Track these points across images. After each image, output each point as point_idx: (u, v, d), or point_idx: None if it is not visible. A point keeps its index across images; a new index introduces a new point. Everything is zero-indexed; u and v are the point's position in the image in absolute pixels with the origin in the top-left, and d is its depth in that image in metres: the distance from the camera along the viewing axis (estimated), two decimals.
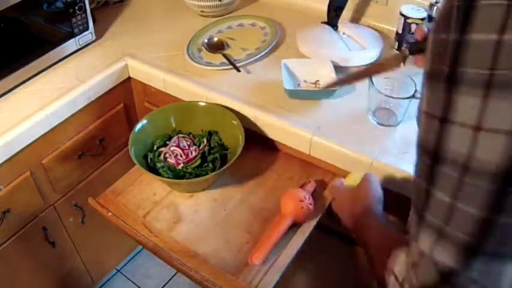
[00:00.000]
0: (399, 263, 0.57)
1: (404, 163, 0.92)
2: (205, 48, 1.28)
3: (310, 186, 1.00)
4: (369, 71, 1.01)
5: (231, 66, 1.19)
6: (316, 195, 1.00)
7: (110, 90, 1.26)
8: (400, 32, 1.20)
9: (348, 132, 1.00)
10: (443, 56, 0.43)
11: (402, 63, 0.88)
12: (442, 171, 0.46)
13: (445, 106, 0.44)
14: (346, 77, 1.08)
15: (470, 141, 0.42)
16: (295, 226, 0.94)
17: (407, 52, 0.86)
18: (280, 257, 0.90)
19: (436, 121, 0.45)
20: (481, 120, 0.41)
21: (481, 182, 0.42)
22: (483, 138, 0.41)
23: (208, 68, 1.21)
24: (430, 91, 0.46)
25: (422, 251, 0.50)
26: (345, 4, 1.25)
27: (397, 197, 0.90)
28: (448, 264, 0.47)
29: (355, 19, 1.36)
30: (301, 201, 0.93)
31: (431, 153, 0.47)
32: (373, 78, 0.99)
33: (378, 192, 0.83)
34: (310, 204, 0.94)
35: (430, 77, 0.46)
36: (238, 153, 0.98)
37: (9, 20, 1.09)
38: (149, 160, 1.06)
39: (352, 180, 0.91)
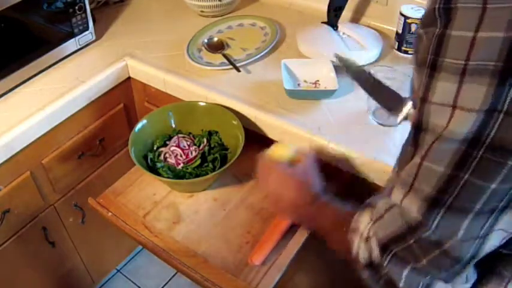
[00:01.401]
0: (363, 222, 0.64)
1: None
2: (205, 48, 1.28)
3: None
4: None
5: (231, 66, 1.19)
6: None
7: (110, 90, 1.26)
8: (400, 32, 1.20)
9: (348, 132, 1.00)
10: (428, 46, 0.51)
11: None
12: (423, 137, 0.54)
13: (425, 90, 0.52)
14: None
15: (446, 117, 0.51)
16: (295, 226, 0.94)
17: None
18: (280, 257, 0.90)
19: (419, 100, 0.54)
20: (455, 102, 0.49)
21: (449, 146, 0.51)
22: (457, 115, 0.50)
23: (208, 68, 1.21)
24: (417, 74, 0.55)
25: (393, 203, 0.59)
26: (345, 4, 1.25)
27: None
28: (414, 215, 0.56)
29: (355, 19, 1.36)
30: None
31: (416, 125, 0.56)
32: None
33: (317, 175, 0.84)
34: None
35: (418, 64, 0.55)
36: (238, 153, 0.98)
37: (9, 20, 1.09)
38: (149, 160, 1.06)
39: (281, 153, 0.86)
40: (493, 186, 0.50)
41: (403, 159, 0.61)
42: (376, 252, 0.60)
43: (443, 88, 0.50)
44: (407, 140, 0.61)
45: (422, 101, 0.53)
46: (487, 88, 0.47)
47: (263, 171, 0.87)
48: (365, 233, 0.63)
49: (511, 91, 0.46)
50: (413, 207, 0.56)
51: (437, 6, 0.50)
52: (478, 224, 0.53)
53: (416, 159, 0.55)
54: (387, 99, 0.90)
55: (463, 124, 0.49)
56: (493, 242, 0.55)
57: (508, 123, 0.48)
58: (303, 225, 0.81)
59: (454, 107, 0.50)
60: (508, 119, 0.47)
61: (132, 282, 1.80)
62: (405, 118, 0.88)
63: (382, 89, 0.91)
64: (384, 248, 0.60)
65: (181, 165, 1.04)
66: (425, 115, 0.53)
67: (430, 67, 0.51)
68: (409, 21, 1.17)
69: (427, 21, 0.52)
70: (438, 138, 0.52)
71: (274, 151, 0.88)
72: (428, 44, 0.51)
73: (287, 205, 0.83)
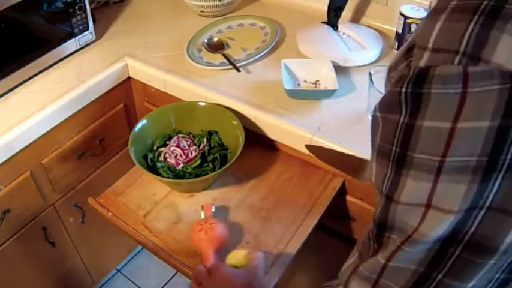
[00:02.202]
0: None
1: None
2: (205, 48, 1.28)
3: (206, 210, 0.94)
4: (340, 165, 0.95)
5: (231, 66, 1.19)
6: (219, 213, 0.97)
7: (110, 90, 1.26)
8: (400, 32, 1.20)
9: (348, 132, 1.00)
10: (392, 136, 0.43)
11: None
12: (388, 237, 0.47)
13: (391, 188, 0.45)
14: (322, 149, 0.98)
15: (418, 218, 0.43)
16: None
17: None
18: (280, 257, 0.90)
19: (384, 196, 0.46)
20: (430, 201, 0.42)
21: (421, 247, 0.44)
22: (431, 216, 0.42)
23: (208, 68, 1.21)
24: (378, 166, 0.47)
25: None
26: (345, 4, 1.25)
27: None
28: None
29: (355, 19, 1.36)
30: (199, 230, 0.87)
31: (378, 223, 0.48)
32: (373, 78, 0.99)
33: (263, 277, 0.77)
34: (212, 223, 0.88)
35: (379, 154, 0.46)
36: (238, 153, 0.98)
37: (9, 20, 1.09)
38: (149, 160, 1.06)
39: (235, 259, 0.80)
40: (472, 283, 0.45)
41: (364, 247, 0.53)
42: None
43: (415, 187, 0.43)
44: (367, 232, 0.52)
45: (387, 198, 0.45)
46: (467, 187, 0.40)
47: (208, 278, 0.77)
48: None
49: (495, 186, 0.40)
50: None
51: (403, 90, 0.41)
52: None
53: (380, 259, 0.48)
54: (352, 169, 0.91)
55: (438, 226, 0.42)
56: None
57: (490, 219, 0.41)
58: None
59: (427, 206, 0.42)
60: (491, 214, 0.41)
61: (132, 282, 1.80)
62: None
63: (347, 158, 0.92)
64: None
65: (181, 165, 1.04)
66: (391, 214, 0.46)
67: (396, 162, 0.43)
68: (409, 21, 1.17)
69: (387, 105, 0.44)
70: (408, 240, 0.45)
71: (229, 258, 0.83)
72: (390, 133, 0.43)
73: None
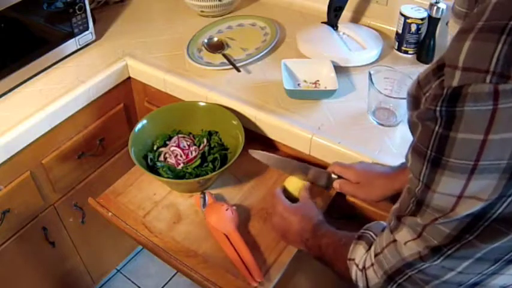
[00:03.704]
0: (358, 254, 0.69)
1: None
2: (205, 48, 1.28)
3: (210, 196, 0.99)
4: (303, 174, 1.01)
5: (231, 66, 1.19)
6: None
7: (110, 90, 1.26)
8: (400, 32, 1.20)
9: (348, 132, 1.00)
10: (427, 140, 0.49)
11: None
12: (424, 210, 0.54)
13: (428, 180, 0.51)
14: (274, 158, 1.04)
15: (451, 203, 0.49)
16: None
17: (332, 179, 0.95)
18: (280, 257, 0.90)
19: (422, 183, 0.52)
20: (462, 193, 0.48)
21: (454, 222, 0.51)
22: (463, 202, 0.49)
23: (208, 68, 1.21)
24: (414, 160, 0.52)
25: (393, 239, 0.61)
26: (345, 4, 1.25)
27: None
28: (416, 256, 0.57)
29: (355, 19, 1.36)
30: (226, 210, 0.93)
31: (417, 201, 0.55)
32: (373, 78, 0.99)
33: (315, 207, 0.90)
34: (232, 205, 0.96)
35: (415, 152, 0.52)
36: (238, 153, 0.98)
37: (9, 20, 1.09)
38: (149, 160, 1.06)
39: (293, 185, 0.97)
40: (497, 244, 0.51)
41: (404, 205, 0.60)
42: (374, 281, 0.64)
43: (449, 183, 0.48)
44: (404, 198, 0.59)
45: (425, 186, 0.52)
46: (497, 182, 0.46)
47: (283, 212, 0.91)
48: (361, 264, 0.67)
49: None
50: (416, 249, 0.57)
51: (438, 108, 0.46)
52: (479, 267, 0.55)
53: (419, 221, 0.56)
54: (316, 177, 0.97)
55: (470, 209, 0.49)
56: (503, 282, 0.57)
57: None
58: (311, 254, 0.84)
59: (460, 197, 0.48)
60: None
61: (132, 282, 1.80)
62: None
63: (308, 169, 0.98)
64: (389, 279, 0.62)
65: (181, 165, 1.04)
66: (428, 198, 0.52)
67: (431, 163, 0.49)
68: (409, 21, 1.17)
69: (423, 115, 0.49)
70: (442, 217, 0.52)
71: (288, 185, 0.98)
72: (426, 137, 0.49)
73: (294, 238, 0.87)
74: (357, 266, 0.68)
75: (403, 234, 0.59)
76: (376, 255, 0.64)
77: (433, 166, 0.49)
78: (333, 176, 0.95)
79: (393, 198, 0.87)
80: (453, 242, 0.53)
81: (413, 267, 0.58)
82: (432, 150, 0.48)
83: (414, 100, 0.54)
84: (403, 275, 0.60)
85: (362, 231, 0.73)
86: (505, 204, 0.47)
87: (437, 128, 0.47)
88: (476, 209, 0.48)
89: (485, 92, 0.42)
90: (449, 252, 0.54)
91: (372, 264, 0.64)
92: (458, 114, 0.44)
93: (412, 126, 0.53)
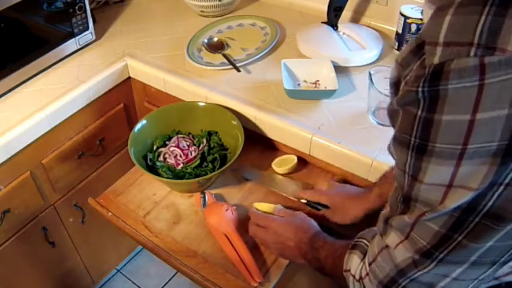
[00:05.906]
0: (353, 264, 0.66)
1: None
2: (205, 48, 1.28)
3: (210, 196, 0.99)
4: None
5: (231, 66, 1.19)
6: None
7: (110, 90, 1.26)
8: (400, 32, 1.20)
9: (348, 132, 1.00)
10: (410, 128, 0.45)
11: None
12: (414, 205, 0.51)
13: (414, 170, 0.47)
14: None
15: (440, 194, 0.47)
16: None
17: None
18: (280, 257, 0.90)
19: (408, 176, 0.49)
20: (452, 182, 0.45)
21: (443, 216, 0.48)
22: (453, 192, 0.46)
23: (208, 68, 1.21)
24: (398, 152, 0.50)
25: (385, 244, 0.58)
26: (345, 4, 1.25)
27: None
28: (408, 262, 0.55)
29: (355, 19, 1.36)
30: (226, 210, 0.93)
31: (405, 196, 0.52)
32: (373, 78, 0.99)
33: (309, 218, 0.88)
34: (232, 206, 0.96)
35: (397, 143, 0.49)
36: (238, 153, 0.98)
37: (9, 20, 1.09)
38: (149, 160, 1.06)
39: (263, 208, 0.95)
40: (490, 244, 0.49)
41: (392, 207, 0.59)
42: None
43: (437, 171, 0.45)
44: (394, 194, 0.57)
45: (412, 178, 0.49)
46: (488, 168, 0.42)
47: (260, 222, 0.90)
48: (357, 274, 0.65)
49: None
50: (407, 254, 0.55)
51: (420, 89, 0.42)
52: (475, 272, 0.52)
53: (407, 220, 0.53)
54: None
55: (459, 200, 0.46)
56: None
57: (508, 194, 0.44)
58: (311, 266, 0.82)
59: (449, 186, 0.45)
60: (509, 190, 0.44)
61: (132, 282, 1.80)
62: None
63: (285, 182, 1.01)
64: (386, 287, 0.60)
65: (181, 165, 1.04)
66: (415, 191, 0.49)
67: (416, 151, 0.46)
68: (409, 21, 1.17)
69: (404, 99, 0.45)
70: (430, 211, 0.49)
71: (259, 206, 0.97)
72: (408, 123, 0.45)
73: (292, 253, 0.85)
74: (354, 276, 0.66)
75: (392, 237, 0.57)
76: (370, 264, 0.62)
77: (419, 154, 0.45)
78: (302, 200, 0.97)
79: (367, 219, 0.87)
80: (442, 242, 0.50)
81: (407, 275, 0.56)
82: (416, 137, 0.45)
83: (396, 87, 0.50)
84: (397, 285, 0.57)
85: (356, 239, 0.71)
86: (495, 196, 0.44)
87: (419, 112, 0.43)
88: (465, 200, 0.45)
89: (470, 66, 0.39)
90: (441, 256, 0.51)
91: (367, 274, 0.62)
92: (442, 93, 0.40)
93: (393, 115, 0.49)
